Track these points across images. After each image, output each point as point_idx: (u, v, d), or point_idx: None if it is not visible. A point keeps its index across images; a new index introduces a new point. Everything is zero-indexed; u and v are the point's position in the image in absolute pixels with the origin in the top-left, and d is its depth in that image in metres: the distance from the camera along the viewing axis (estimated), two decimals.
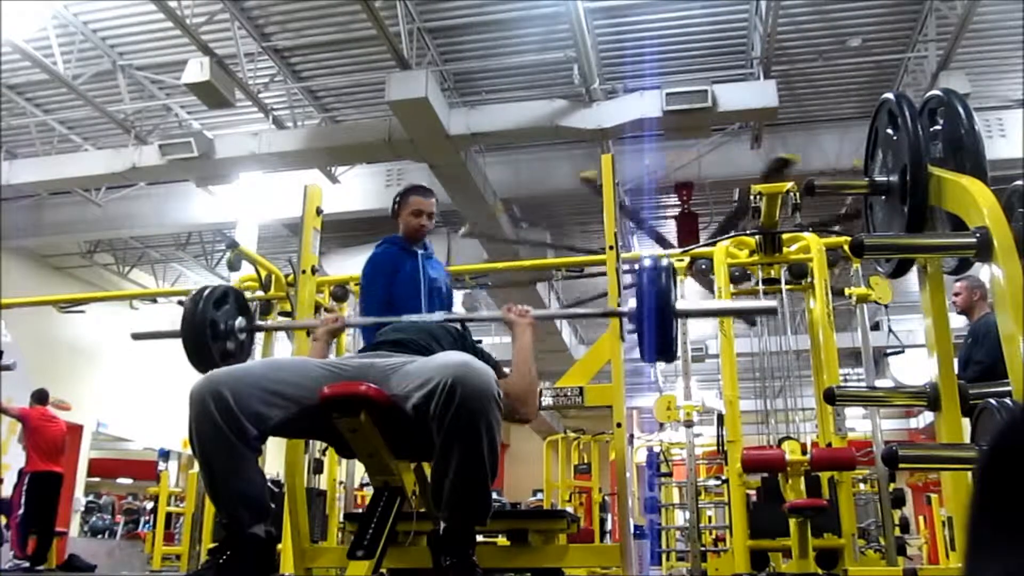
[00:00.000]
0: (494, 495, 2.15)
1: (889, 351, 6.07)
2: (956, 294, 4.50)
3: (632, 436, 10.39)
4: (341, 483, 5.82)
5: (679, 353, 5.76)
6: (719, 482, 7.83)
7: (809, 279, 4.48)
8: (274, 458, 2.93)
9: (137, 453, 13.42)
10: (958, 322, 4.57)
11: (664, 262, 2.20)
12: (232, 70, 6.79)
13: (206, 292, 2.50)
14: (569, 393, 2.40)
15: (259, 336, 5.85)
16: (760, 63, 6.75)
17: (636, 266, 2.19)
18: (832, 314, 4.36)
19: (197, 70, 6.35)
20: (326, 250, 9.37)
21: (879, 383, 8.60)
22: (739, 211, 7.29)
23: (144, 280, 11.72)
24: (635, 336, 2.33)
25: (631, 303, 2.26)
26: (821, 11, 6.59)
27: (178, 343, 2.48)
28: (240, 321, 2.55)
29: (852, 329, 7.55)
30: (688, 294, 6.18)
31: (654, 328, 2.13)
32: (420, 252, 3.13)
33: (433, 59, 6.98)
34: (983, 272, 1.58)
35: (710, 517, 9.74)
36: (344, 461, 5.63)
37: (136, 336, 2.86)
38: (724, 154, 7.93)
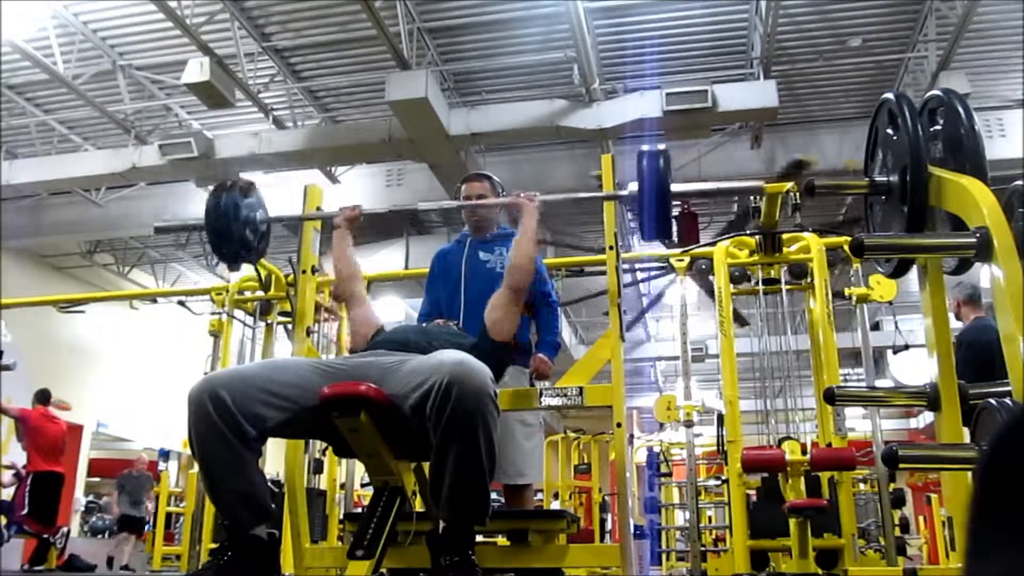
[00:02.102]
0: (493, 495, 2.15)
1: (896, 349, 6.07)
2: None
3: (632, 436, 10.39)
4: (341, 484, 5.82)
5: (679, 352, 5.77)
6: (719, 482, 7.82)
7: (809, 279, 4.48)
8: (274, 458, 2.93)
9: (137, 453, 13.40)
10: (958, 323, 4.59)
11: (661, 147, 2.38)
12: (232, 70, 6.79)
13: (229, 183, 2.59)
14: (569, 393, 2.39)
15: (259, 337, 5.88)
16: (760, 63, 6.76)
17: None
18: (832, 314, 4.36)
19: (197, 70, 6.35)
20: (326, 250, 9.34)
21: (879, 383, 8.60)
22: (744, 214, 7.29)
23: (144, 280, 11.72)
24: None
25: (631, 187, 2.40)
26: (821, 11, 6.59)
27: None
28: (260, 213, 2.65)
29: (852, 329, 7.55)
30: (688, 294, 6.18)
31: (654, 207, 2.31)
32: (471, 239, 3.28)
33: (433, 59, 6.98)
34: (982, 272, 1.58)
35: (710, 517, 9.74)
36: (344, 461, 5.63)
37: (159, 229, 2.97)
38: (724, 154, 7.92)
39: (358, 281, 2.62)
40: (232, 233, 2.52)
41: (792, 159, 7.34)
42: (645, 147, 2.40)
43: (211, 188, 2.61)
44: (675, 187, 2.40)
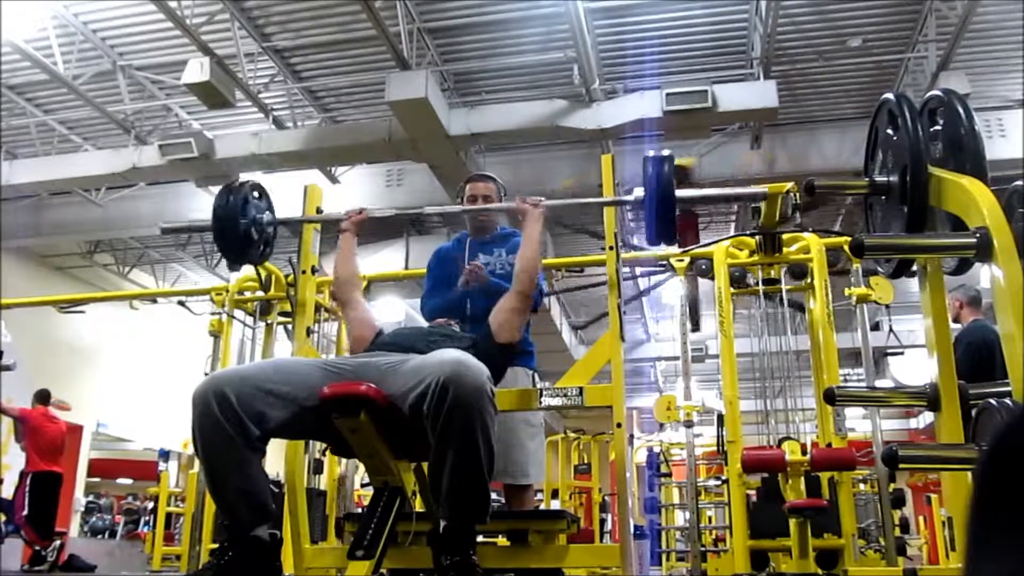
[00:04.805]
0: (493, 495, 2.16)
1: (890, 351, 6.08)
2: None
3: (632, 436, 10.39)
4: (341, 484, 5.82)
5: (679, 352, 5.77)
6: (719, 482, 7.82)
7: (809, 279, 4.48)
8: (274, 458, 2.93)
9: (137, 453, 13.42)
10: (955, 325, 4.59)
11: (666, 153, 2.42)
12: (232, 70, 6.79)
13: (237, 183, 2.61)
14: (569, 393, 2.39)
15: (259, 337, 5.88)
16: (760, 63, 6.75)
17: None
18: (832, 314, 4.36)
19: (197, 70, 6.35)
20: (326, 250, 9.34)
21: (879, 383, 8.60)
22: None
23: (144, 280, 11.72)
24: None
25: (636, 192, 2.44)
26: (821, 11, 6.59)
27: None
28: (267, 215, 2.68)
29: (852, 329, 7.56)
30: (688, 295, 6.19)
31: (659, 211, 2.36)
32: (470, 240, 3.31)
33: (433, 59, 6.98)
34: (983, 272, 1.58)
35: (710, 517, 9.74)
36: (344, 461, 5.63)
37: (166, 230, 2.94)
38: (724, 154, 7.92)
39: (357, 286, 2.66)
40: (238, 230, 2.53)
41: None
42: (651, 152, 2.44)
43: (221, 187, 2.63)
44: (679, 193, 2.43)
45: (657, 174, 2.38)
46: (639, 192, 2.44)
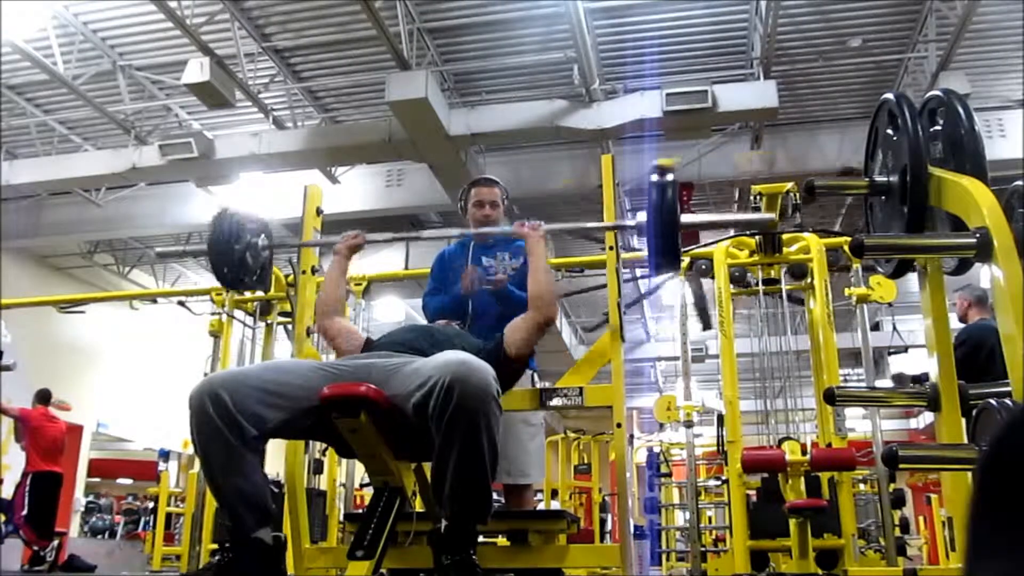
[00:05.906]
0: (493, 495, 2.16)
1: (892, 350, 6.08)
2: (954, 304, 4.57)
3: (632, 436, 10.40)
4: (341, 484, 5.82)
5: (679, 352, 5.77)
6: (719, 482, 7.82)
7: (809, 279, 4.48)
8: (274, 458, 2.93)
9: (137, 453, 13.42)
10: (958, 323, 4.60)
11: (669, 177, 2.33)
12: (232, 70, 6.79)
13: (230, 209, 2.60)
14: (569, 393, 2.39)
15: (259, 338, 5.88)
16: (760, 63, 6.75)
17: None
18: (832, 314, 4.36)
19: (197, 70, 6.35)
20: (326, 251, 9.34)
21: (879, 383, 8.60)
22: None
23: (144, 280, 11.72)
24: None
25: (639, 216, 2.38)
26: (821, 11, 6.59)
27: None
28: (263, 239, 2.67)
29: (852, 329, 7.56)
30: (688, 294, 6.19)
31: (661, 238, 2.27)
32: (472, 244, 3.28)
33: (433, 59, 6.98)
34: (983, 272, 1.58)
35: (710, 517, 9.74)
36: (344, 461, 5.63)
37: (161, 254, 2.94)
38: (724, 154, 7.93)
39: (341, 312, 2.61)
40: (233, 255, 2.52)
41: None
42: (655, 177, 2.33)
43: (215, 214, 2.61)
44: (684, 218, 2.35)
45: (661, 197, 2.28)
46: (641, 216, 2.36)
